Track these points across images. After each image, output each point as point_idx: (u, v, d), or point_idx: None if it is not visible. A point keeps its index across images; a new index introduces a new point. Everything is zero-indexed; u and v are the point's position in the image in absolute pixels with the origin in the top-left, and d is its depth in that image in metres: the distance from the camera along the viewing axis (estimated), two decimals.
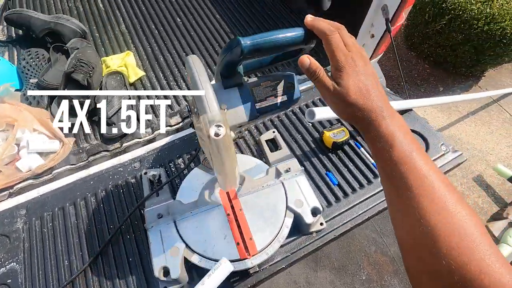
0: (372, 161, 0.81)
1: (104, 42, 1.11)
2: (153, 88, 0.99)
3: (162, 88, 0.99)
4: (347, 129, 0.85)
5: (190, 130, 0.90)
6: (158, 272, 0.59)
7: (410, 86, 2.01)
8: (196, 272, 0.64)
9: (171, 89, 0.98)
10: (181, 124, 0.92)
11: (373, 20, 0.97)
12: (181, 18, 1.21)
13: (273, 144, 0.84)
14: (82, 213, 0.74)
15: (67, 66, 0.88)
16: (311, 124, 0.90)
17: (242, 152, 0.84)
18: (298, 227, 0.69)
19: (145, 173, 0.77)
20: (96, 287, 0.64)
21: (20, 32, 1.09)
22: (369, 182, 0.78)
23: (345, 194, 0.76)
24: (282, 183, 0.70)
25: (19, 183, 0.79)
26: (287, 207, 0.67)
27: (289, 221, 0.66)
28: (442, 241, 0.29)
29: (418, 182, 0.31)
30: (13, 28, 1.12)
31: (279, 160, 0.76)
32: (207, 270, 0.57)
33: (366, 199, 0.76)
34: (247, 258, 0.61)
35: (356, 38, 1.01)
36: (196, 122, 0.48)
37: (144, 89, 0.98)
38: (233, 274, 0.61)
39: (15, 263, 0.66)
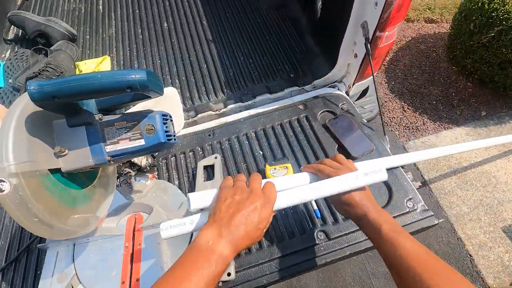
0: (315, 207, 0.70)
1: (91, 45, 1.15)
2: None
3: None
4: (292, 165, 0.73)
5: None
6: None
7: (444, 107, 1.72)
8: None
9: None
10: None
11: (355, 38, 0.82)
12: (168, 23, 1.19)
13: (212, 171, 0.77)
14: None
15: (34, 70, 0.92)
16: (261, 154, 0.81)
17: (178, 174, 0.79)
18: None
19: None
20: None
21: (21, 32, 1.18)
22: (303, 232, 0.67)
23: (271, 243, 0.66)
24: None
25: None
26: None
27: None
28: None
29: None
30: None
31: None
32: None
33: (293, 253, 0.65)
34: None
35: (338, 56, 0.88)
36: None
37: None
38: None
39: None
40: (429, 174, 1.51)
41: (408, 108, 1.75)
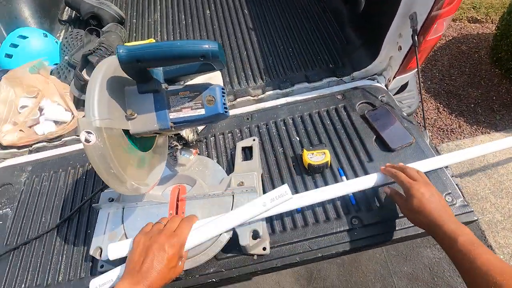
0: (351, 194, 0.71)
1: (137, 28, 1.21)
2: None
3: None
4: (329, 152, 0.75)
5: None
6: (92, 251, 0.64)
7: (483, 110, 1.65)
8: None
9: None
10: None
11: (400, 30, 0.81)
12: (211, 11, 1.22)
13: (250, 153, 0.80)
14: (69, 180, 0.84)
15: (90, 48, 0.98)
16: (298, 139, 0.82)
17: (217, 153, 0.82)
18: (238, 247, 0.65)
19: None
20: (57, 247, 0.73)
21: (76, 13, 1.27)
22: (338, 217, 0.68)
23: (305, 224, 0.68)
24: (233, 196, 0.67)
25: (36, 143, 0.94)
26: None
27: (225, 237, 0.63)
28: None
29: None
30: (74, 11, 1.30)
31: (243, 171, 0.72)
32: None
33: (326, 235, 0.66)
34: None
35: (381, 48, 0.87)
36: None
37: None
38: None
39: (9, 209, 0.80)
40: (463, 178, 1.46)
41: (444, 110, 1.69)
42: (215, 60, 0.38)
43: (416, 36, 0.75)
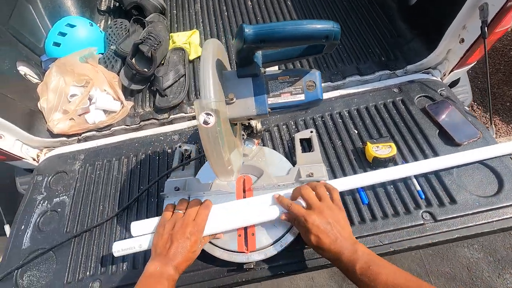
0: (418, 188, 0.69)
1: (178, 19, 1.20)
2: None
3: None
4: (395, 145, 0.73)
5: None
6: None
7: None
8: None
9: None
10: None
11: (465, 21, 0.79)
12: (253, 2, 1.21)
13: (308, 144, 0.79)
14: (123, 169, 0.83)
15: (139, 37, 0.98)
16: (356, 132, 0.81)
17: (274, 145, 0.81)
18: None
19: (179, 146, 0.81)
20: (118, 234, 0.72)
21: (117, 4, 1.26)
22: (407, 212, 0.67)
23: (373, 218, 0.67)
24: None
25: (86, 132, 0.93)
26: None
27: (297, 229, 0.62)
28: None
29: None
30: (112, 0, 1.29)
31: (306, 163, 0.71)
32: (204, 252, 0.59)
33: (397, 230, 0.65)
34: (244, 253, 0.60)
35: (440, 40, 0.85)
36: None
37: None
38: (227, 264, 0.62)
39: (66, 197, 0.80)
40: None
41: (478, 108, 1.66)
42: (335, 42, 0.37)
43: (486, 28, 0.72)
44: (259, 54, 0.44)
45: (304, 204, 0.57)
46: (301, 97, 0.45)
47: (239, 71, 0.44)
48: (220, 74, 0.43)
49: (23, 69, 0.98)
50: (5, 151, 0.84)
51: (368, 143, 0.74)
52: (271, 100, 0.44)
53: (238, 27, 0.37)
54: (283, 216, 0.59)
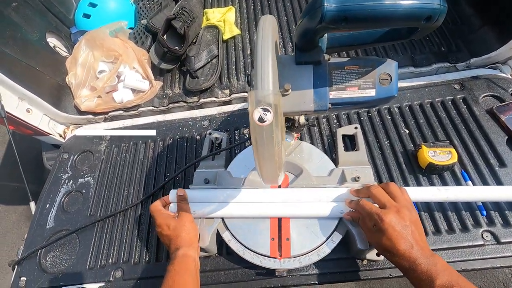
0: (479, 204, 0.60)
1: None
2: (243, 49, 0.94)
3: (251, 51, 0.93)
4: (457, 151, 0.64)
5: None
6: None
7: None
8: (226, 248, 0.62)
9: None
10: None
11: None
12: None
13: (351, 142, 0.71)
14: (149, 153, 0.79)
15: (172, 12, 0.91)
16: (407, 132, 0.72)
17: (312, 140, 0.74)
18: (350, 248, 0.58)
19: (210, 133, 0.76)
20: (142, 222, 0.69)
21: None
22: (465, 229, 0.58)
23: (424, 232, 0.59)
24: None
25: (113, 111, 0.90)
26: (341, 221, 0.56)
27: (337, 237, 0.56)
28: None
29: None
30: None
31: (350, 163, 0.63)
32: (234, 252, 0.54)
33: (451, 248, 0.57)
34: (276, 258, 0.55)
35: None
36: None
37: (235, 48, 0.95)
38: (256, 266, 0.57)
39: (91, 178, 0.77)
40: None
41: None
42: (435, 25, 0.28)
43: None
44: (324, 37, 0.36)
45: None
46: (371, 92, 0.37)
47: (299, 57, 0.36)
48: (276, 59, 0.36)
49: (52, 41, 0.94)
50: (33, 125, 0.81)
51: (423, 146, 0.64)
52: (333, 94, 0.37)
53: (311, 1, 0.29)
54: (346, 215, 0.54)
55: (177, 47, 0.88)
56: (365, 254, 0.56)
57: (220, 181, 0.63)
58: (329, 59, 0.37)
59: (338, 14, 0.27)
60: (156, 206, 0.59)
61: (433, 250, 0.57)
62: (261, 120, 0.29)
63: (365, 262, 0.58)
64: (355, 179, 0.59)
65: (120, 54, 0.87)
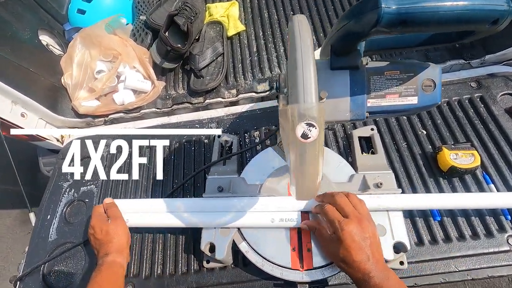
0: (499, 212, 0.58)
1: None
2: (249, 46, 0.90)
3: (257, 48, 0.89)
4: (479, 153, 0.62)
5: (276, 102, 0.80)
6: (204, 247, 0.56)
7: None
8: (242, 258, 0.59)
9: (267, 51, 0.88)
10: (267, 93, 0.83)
11: None
12: None
13: (367, 144, 0.68)
14: (154, 159, 0.75)
15: (173, 7, 0.86)
16: (425, 133, 0.69)
17: (326, 143, 0.71)
18: None
19: (219, 136, 0.72)
20: (151, 233, 0.65)
21: None
22: (489, 235, 0.57)
23: (447, 238, 0.57)
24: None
25: (113, 113, 0.85)
26: None
27: None
28: None
29: None
30: None
31: (369, 168, 0.61)
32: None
33: (477, 255, 0.55)
34: (298, 270, 0.52)
35: None
36: (282, 104, 0.37)
37: (240, 46, 0.91)
38: (277, 279, 0.54)
39: (94, 186, 0.73)
40: None
41: None
42: (501, 27, 0.25)
43: None
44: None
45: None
46: (413, 100, 0.34)
47: (335, 61, 0.33)
48: None
49: (45, 39, 0.89)
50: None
51: (444, 148, 0.62)
52: (371, 102, 0.34)
53: (364, 1, 0.25)
54: (302, 224, 0.54)
55: (179, 45, 0.84)
56: (389, 263, 0.54)
57: (234, 188, 0.60)
58: (367, 63, 0.34)
59: (396, 17, 0.23)
60: (98, 208, 0.60)
61: (457, 257, 0.56)
62: (304, 136, 0.26)
63: None
64: (378, 186, 0.56)
65: (120, 53, 0.82)
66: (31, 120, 0.78)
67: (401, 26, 0.24)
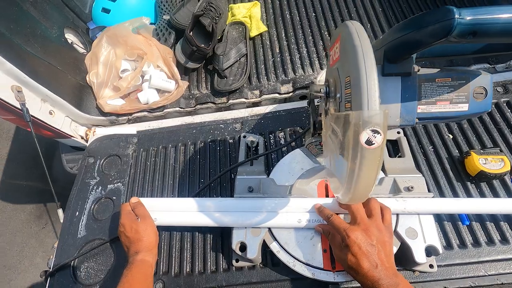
0: None
1: None
2: (271, 47, 0.90)
3: (280, 49, 0.90)
4: (509, 159, 0.62)
5: (299, 104, 0.81)
6: (235, 246, 0.57)
7: None
8: (271, 258, 0.59)
9: (290, 52, 0.88)
10: (290, 94, 0.83)
11: None
12: None
13: (393, 147, 0.69)
14: (180, 158, 0.76)
15: (197, 7, 0.86)
16: (451, 137, 0.69)
17: None
18: (400, 259, 0.56)
19: (244, 137, 0.73)
20: (179, 231, 0.66)
21: None
22: None
23: (476, 243, 0.58)
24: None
25: (137, 112, 0.86)
26: (395, 232, 0.54)
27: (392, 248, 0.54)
28: None
29: None
30: None
31: (399, 171, 0.61)
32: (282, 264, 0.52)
33: (507, 260, 0.56)
34: (330, 271, 0.53)
35: None
36: (333, 109, 0.37)
37: (262, 46, 0.91)
38: (307, 279, 0.55)
39: (121, 184, 0.74)
40: None
41: None
42: None
43: None
44: None
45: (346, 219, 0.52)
46: (464, 107, 0.34)
47: (387, 68, 0.34)
48: None
49: (70, 37, 0.90)
50: (55, 128, 0.78)
51: (473, 153, 0.62)
52: (422, 108, 0.34)
53: (435, 11, 0.26)
54: (318, 226, 0.55)
55: (203, 45, 0.84)
56: (416, 265, 0.54)
57: (264, 189, 0.61)
58: (418, 70, 0.34)
59: (469, 27, 0.24)
60: (126, 206, 0.61)
61: (487, 261, 0.56)
62: (369, 142, 0.27)
63: (416, 274, 0.57)
64: (409, 189, 0.56)
65: (145, 52, 0.83)
66: (58, 118, 0.79)
67: (471, 36, 0.24)
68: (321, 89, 0.36)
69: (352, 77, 0.29)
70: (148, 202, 0.62)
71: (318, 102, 0.64)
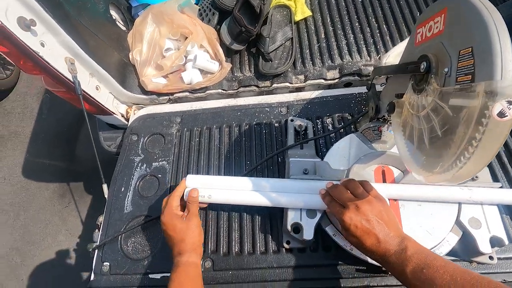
0: None
1: None
2: (316, 32, 0.88)
3: (326, 34, 0.88)
4: None
5: (346, 90, 0.79)
6: (290, 227, 0.56)
7: None
8: (322, 242, 0.59)
9: (336, 38, 0.86)
10: (336, 80, 0.82)
11: None
12: None
13: None
14: (225, 139, 0.76)
15: None
16: None
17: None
18: (457, 249, 0.55)
19: (292, 120, 0.72)
20: (226, 211, 0.66)
21: None
22: None
23: None
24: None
25: (179, 92, 0.85)
26: (457, 221, 0.53)
27: (453, 238, 0.53)
28: None
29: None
30: None
31: None
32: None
33: None
34: None
35: None
36: (435, 84, 0.35)
37: (307, 31, 0.89)
38: (359, 264, 0.54)
39: (165, 162, 0.74)
40: None
41: None
42: None
43: None
44: None
45: None
46: None
47: None
48: None
49: (113, 14, 0.89)
50: (100, 103, 0.77)
51: None
52: None
53: None
54: (327, 208, 0.53)
55: (250, 26, 0.83)
56: (475, 256, 0.53)
57: (320, 172, 0.60)
58: None
59: None
60: (171, 202, 0.57)
61: None
62: (501, 114, 0.25)
63: (473, 265, 0.55)
64: (473, 178, 0.55)
65: (191, 32, 0.82)
66: (103, 94, 0.79)
67: None
68: (421, 66, 0.35)
69: (478, 46, 0.27)
70: (203, 180, 0.61)
71: (382, 85, 0.63)
